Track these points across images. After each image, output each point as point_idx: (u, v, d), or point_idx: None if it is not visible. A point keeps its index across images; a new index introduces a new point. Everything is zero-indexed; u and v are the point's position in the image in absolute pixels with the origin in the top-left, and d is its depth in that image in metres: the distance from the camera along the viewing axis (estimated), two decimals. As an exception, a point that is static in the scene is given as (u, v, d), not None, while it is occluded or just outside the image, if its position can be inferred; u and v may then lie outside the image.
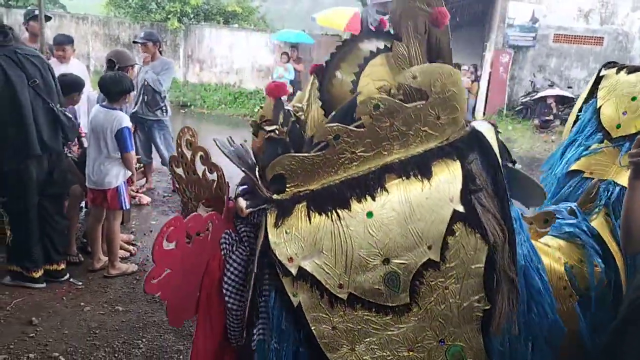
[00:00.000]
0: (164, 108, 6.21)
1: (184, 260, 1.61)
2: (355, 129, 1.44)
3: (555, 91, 14.50)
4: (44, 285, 3.92)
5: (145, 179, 6.45)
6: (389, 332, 1.46)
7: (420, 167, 1.45)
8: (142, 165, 6.10)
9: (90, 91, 5.52)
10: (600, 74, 2.50)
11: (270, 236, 1.45)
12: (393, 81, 1.50)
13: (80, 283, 4.05)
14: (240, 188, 1.69)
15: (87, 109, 4.93)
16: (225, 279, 1.61)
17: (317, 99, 1.71)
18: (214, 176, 1.86)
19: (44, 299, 3.77)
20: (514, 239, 1.47)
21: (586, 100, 2.52)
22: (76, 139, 4.58)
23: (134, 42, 6.91)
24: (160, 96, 6.15)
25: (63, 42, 5.49)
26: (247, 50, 15.34)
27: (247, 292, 1.53)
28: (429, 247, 1.43)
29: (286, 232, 1.45)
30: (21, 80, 3.56)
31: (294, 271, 1.43)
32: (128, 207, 4.24)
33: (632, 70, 2.39)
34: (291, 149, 1.54)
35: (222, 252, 1.63)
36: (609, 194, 2.15)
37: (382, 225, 1.43)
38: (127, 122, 4.02)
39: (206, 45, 15.71)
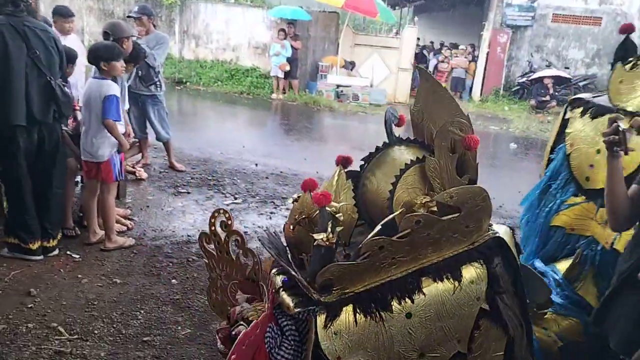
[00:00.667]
0: (158, 83, 6.17)
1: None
2: (397, 240, 1.62)
3: (552, 72, 14.47)
4: (41, 257, 3.94)
5: (141, 154, 6.44)
6: None
7: (451, 271, 1.66)
8: (137, 140, 6.08)
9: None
10: (566, 117, 2.53)
11: (320, 337, 1.58)
12: (423, 189, 1.75)
13: (78, 256, 4.07)
14: (281, 279, 1.80)
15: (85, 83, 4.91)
16: None
17: (351, 198, 1.89)
18: (249, 260, 1.97)
19: (42, 271, 3.80)
20: (530, 332, 1.72)
21: (557, 141, 2.58)
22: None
23: (128, 16, 6.82)
24: (155, 71, 6.10)
25: (69, 14, 5.47)
26: (244, 26, 15.16)
27: None
28: (458, 341, 1.65)
29: (335, 333, 1.59)
30: (19, 50, 3.56)
31: None
32: (122, 177, 4.21)
33: (594, 115, 2.39)
34: (335, 254, 1.70)
35: (267, 347, 1.72)
36: (593, 255, 2.23)
37: (419, 325, 1.62)
38: (114, 91, 3.98)
39: (202, 21, 15.51)
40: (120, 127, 4.14)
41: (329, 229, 1.64)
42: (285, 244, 1.97)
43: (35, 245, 3.90)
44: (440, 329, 1.62)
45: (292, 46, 13.06)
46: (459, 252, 1.67)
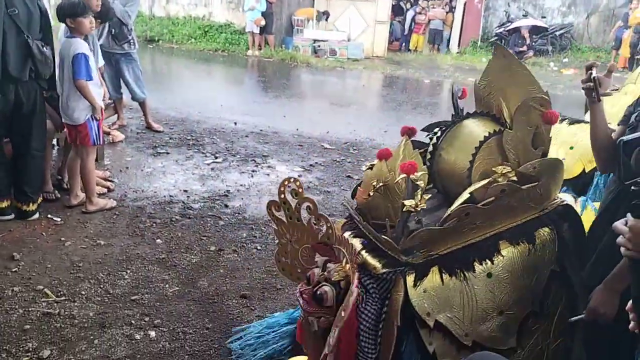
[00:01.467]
0: (132, 41, 6.01)
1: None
2: (482, 207, 1.72)
3: (529, 21, 14.43)
4: (11, 216, 3.92)
5: (116, 115, 6.31)
6: None
7: (526, 235, 1.78)
8: (112, 101, 5.95)
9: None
10: None
11: (410, 295, 1.67)
12: (499, 160, 1.85)
13: (59, 219, 4.03)
14: (360, 241, 1.88)
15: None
16: (362, 327, 1.80)
17: (423, 168, 1.97)
18: (321, 225, 2.02)
19: (24, 235, 3.76)
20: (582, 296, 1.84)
21: None
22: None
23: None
24: (128, 29, 5.93)
25: None
26: (216, -19, 14.72)
27: (379, 337, 1.78)
28: (532, 301, 1.77)
29: (424, 291, 1.68)
30: None
31: (431, 324, 1.69)
32: (100, 142, 4.13)
33: (572, 122, 2.78)
34: (422, 218, 1.80)
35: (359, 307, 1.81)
36: None
37: (499, 284, 1.73)
38: (82, 49, 3.86)
39: (172, -24, 15.01)
40: (95, 89, 4.02)
41: (419, 196, 1.74)
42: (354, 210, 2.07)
43: (3, 204, 3.84)
44: (517, 289, 1.74)
45: (267, 0, 12.74)
46: (532, 218, 1.80)
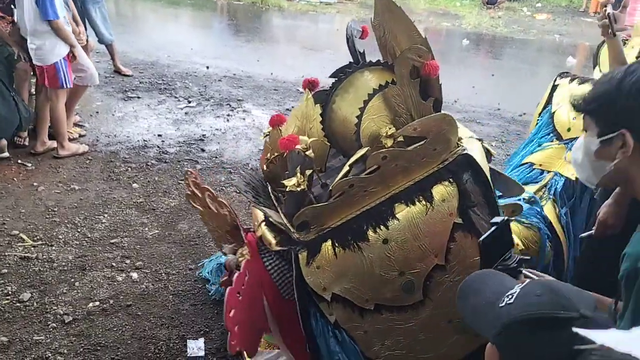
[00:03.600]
0: (97, -20, 5.69)
1: (246, 308, 1.77)
2: (366, 176, 1.63)
3: (504, -35, 14.19)
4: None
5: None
6: (410, 324, 1.78)
7: (423, 193, 1.68)
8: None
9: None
10: (555, 83, 2.85)
11: (304, 273, 1.64)
12: (390, 116, 1.73)
13: (30, 164, 3.91)
14: (262, 213, 1.79)
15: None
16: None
17: (320, 132, 1.86)
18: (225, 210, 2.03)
19: (-7, 180, 3.65)
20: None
21: (544, 107, 2.85)
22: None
23: None
24: (93, -34, 5.60)
25: None
26: None
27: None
28: (436, 255, 1.71)
29: (317, 267, 1.64)
30: None
31: (328, 297, 1.67)
32: (68, 85, 3.96)
33: (582, 81, 2.74)
34: (310, 194, 1.71)
35: (273, 276, 1.81)
36: (556, 185, 2.48)
37: (397, 248, 1.67)
38: None
39: None
40: (65, 25, 3.81)
41: (299, 173, 1.65)
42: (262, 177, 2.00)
43: None
44: (417, 248, 1.68)
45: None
46: (429, 174, 1.70)
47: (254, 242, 1.79)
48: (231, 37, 9.43)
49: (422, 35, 1.68)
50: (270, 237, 1.72)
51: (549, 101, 2.86)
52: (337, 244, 1.65)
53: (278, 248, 1.69)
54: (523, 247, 2.20)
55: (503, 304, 0.97)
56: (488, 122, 5.60)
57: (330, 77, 1.91)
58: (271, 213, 1.75)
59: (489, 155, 1.95)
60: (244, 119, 5.21)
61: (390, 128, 1.69)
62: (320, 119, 1.85)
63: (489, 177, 1.76)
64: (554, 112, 2.77)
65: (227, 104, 5.57)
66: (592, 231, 1.89)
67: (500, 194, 2.08)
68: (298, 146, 1.67)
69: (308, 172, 1.67)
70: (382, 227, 1.66)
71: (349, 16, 12.31)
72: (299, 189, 1.65)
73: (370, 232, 1.65)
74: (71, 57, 3.88)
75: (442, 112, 1.70)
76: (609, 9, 1.93)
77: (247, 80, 6.47)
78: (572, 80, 2.81)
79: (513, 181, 2.06)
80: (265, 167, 1.97)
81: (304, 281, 1.66)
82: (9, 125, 3.83)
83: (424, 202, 1.67)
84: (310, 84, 2.00)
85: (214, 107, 5.45)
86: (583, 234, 1.99)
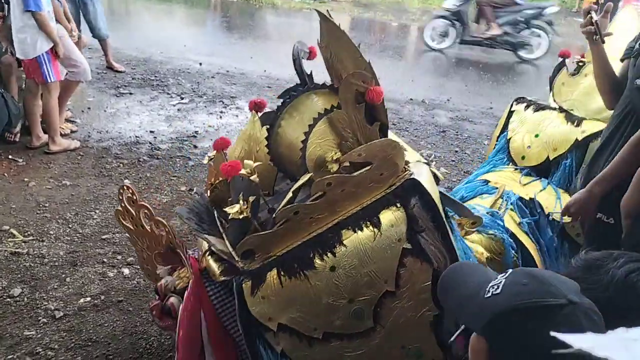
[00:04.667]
0: (93, -26, 5.67)
1: (185, 328, 1.76)
2: (311, 203, 1.58)
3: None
4: None
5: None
6: (360, 351, 1.72)
7: (370, 218, 1.64)
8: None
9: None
10: (512, 109, 2.92)
11: (249, 304, 1.60)
12: (336, 139, 1.68)
13: (21, 160, 3.88)
14: (206, 248, 1.74)
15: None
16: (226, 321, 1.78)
17: (267, 154, 1.82)
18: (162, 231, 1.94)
19: (-17, 176, 3.62)
20: (456, 258, 1.72)
21: (502, 131, 2.93)
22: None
23: None
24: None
25: None
26: None
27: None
28: (385, 281, 1.65)
29: (262, 297, 1.60)
30: None
31: (274, 328, 1.63)
32: (53, 79, 3.87)
33: (537, 108, 2.82)
34: (254, 221, 1.65)
35: (215, 306, 1.77)
36: (511, 198, 2.51)
37: (344, 275, 1.61)
38: None
39: None
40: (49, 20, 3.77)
41: (241, 201, 1.60)
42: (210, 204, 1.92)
43: None
44: (365, 275, 1.63)
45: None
46: (376, 199, 1.66)
47: (196, 266, 1.76)
48: (224, 34, 9.41)
49: (366, 60, 1.63)
50: (214, 267, 1.67)
51: (505, 126, 2.93)
52: (283, 273, 1.60)
53: (222, 278, 1.64)
54: (488, 256, 2.21)
55: (489, 294, 0.98)
56: (480, 120, 5.63)
57: (279, 97, 1.86)
58: (215, 241, 1.69)
59: (437, 178, 1.94)
60: (237, 115, 5.21)
61: (335, 153, 1.66)
62: (267, 142, 1.81)
63: (437, 202, 1.73)
64: (509, 139, 2.83)
65: (220, 100, 5.56)
66: (559, 212, 1.96)
67: (453, 213, 2.08)
68: (242, 171, 1.62)
69: (252, 198, 1.62)
70: (329, 254, 1.61)
71: (342, 14, 12.33)
72: (241, 216, 1.59)
73: (317, 260, 1.61)
74: (55, 54, 3.82)
75: (388, 137, 1.66)
76: (594, 16, 1.89)
77: (240, 77, 6.46)
78: (527, 106, 2.88)
79: (462, 205, 2.06)
80: (210, 192, 1.92)
81: (248, 311, 1.62)
82: None
83: (371, 228, 1.63)
84: (257, 106, 1.96)
85: (206, 104, 5.44)
86: (552, 213, 2.08)
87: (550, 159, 2.67)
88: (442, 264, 1.69)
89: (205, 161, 2.03)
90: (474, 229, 2.23)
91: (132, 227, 2.07)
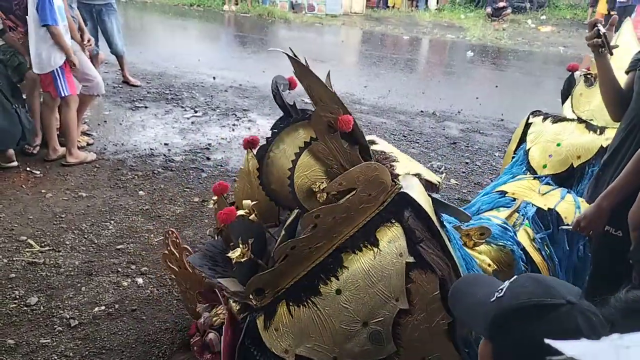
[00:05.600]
0: (111, -9, 5.81)
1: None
2: (306, 236, 1.63)
3: (508, -22, 14.29)
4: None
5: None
6: None
7: (367, 238, 1.67)
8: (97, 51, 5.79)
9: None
10: (529, 121, 2.94)
11: (264, 338, 1.65)
12: (322, 168, 1.70)
13: (39, 172, 3.97)
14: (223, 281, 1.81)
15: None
16: None
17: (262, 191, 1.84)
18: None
19: (2, 187, 3.70)
20: (455, 265, 1.76)
21: (519, 143, 2.94)
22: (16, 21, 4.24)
23: None
24: (106, -22, 5.71)
25: None
26: None
27: None
28: (397, 299, 1.66)
29: (275, 330, 1.64)
30: None
31: (292, 359, 1.65)
32: (67, 93, 3.96)
33: (556, 120, 2.85)
34: (258, 260, 1.71)
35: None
36: (527, 212, 2.49)
37: (352, 297, 1.64)
38: None
39: None
40: (64, 34, 3.87)
41: (241, 244, 1.67)
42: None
43: None
44: (373, 295, 1.64)
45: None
46: (371, 219, 1.69)
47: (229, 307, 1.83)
48: (237, 49, 9.54)
49: (332, 91, 1.66)
50: (233, 306, 1.75)
51: (522, 139, 2.94)
52: (291, 303, 1.65)
53: (242, 316, 1.71)
54: (496, 268, 2.21)
55: (494, 298, 1.01)
56: (491, 132, 5.64)
57: (272, 129, 1.87)
58: (228, 283, 1.75)
59: (432, 187, 1.98)
60: (249, 128, 5.27)
61: (322, 183, 1.68)
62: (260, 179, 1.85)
63: (429, 211, 1.75)
64: (528, 150, 2.84)
65: (233, 113, 5.64)
66: (570, 226, 1.96)
67: (454, 223, 2.09)
68: (241, 212, 1.68)
69: (251, 240, 1.68)
70: (332, 278, 1.64)
71: (353, 28, 12.44)
72: (243, 259, 1.66)
73: (321, 286, 1.64)
74: (70, 66, 3.92)
75: (369, 161, 1.70)
76: (602, 29, 1.91)
77: (252, 90, 6.55)
78: (544, 119, 2.90)
79: (460, 210, 2.06)
80: (217, 237, 2.00)
81: (263, 345, 1.65)
82: (11, 137, 3.88)
83: (370, 247, 1.66)
84: (250, 144, 2.01)
85: (219, 117, 5.52)
86: (562, 226, 2.09)
87: (575, 166, 2.67)
88: (446, 272, 1.71)
89: (210, 205, 2.09)
90: (483, 240, 2.24)
91: (177, 269, 2.20)
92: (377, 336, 1.67)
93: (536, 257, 2.38)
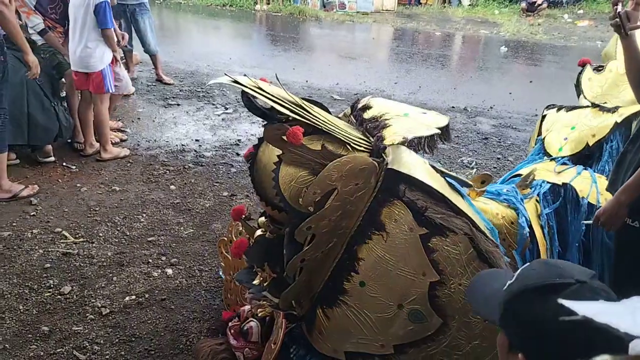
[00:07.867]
0: (144, -9, 5.95)
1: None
2: (309, 247, 1.64)
3: (544, -29, 13.97)
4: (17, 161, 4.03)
5: (127, 68, 6.29)
6: (443, 347, 1.68)
7: (373, 225, 1.65)
8: (131, 49, 5.97)
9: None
10: (544, 114, 2.96)
11: (312, 343, 1.73)
12: (304, 172, 1.69)
13: (74, 167, 4.09)
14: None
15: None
16: None
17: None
18: None
19: (40, 181, 3.82)
20: (474, 220, 1.69)
21: (538, 135, 2.93)
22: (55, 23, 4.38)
23: None
24: (140, -22, 5.85)
25: None
26: None
27: None
28: (424, 274, 1.61)
29: (319, 334, 1.71)
30: None
31: (343, 358, 1.70)
32: (113, 90, 4.17)
33: (569, 109, 2.85)
34: (282, 276, 1.74)
35: None
36: (540, 187, 2.42)
37: (376, 285, 1.64)
38: None
39: None
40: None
41: (259, 271, 1.76)
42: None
43: None
44: (396, 277, 1.61)
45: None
46: (369, 205, 1.66)
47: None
48: (268, 47, 9.60)
49: (275, 107, 1.66)
50: (283, 322, 1.84)
51: (539, 133, 2.92)
52: (325, 307, 1.70)
53: (290, 326, 1.81)
54: (502, 220, 2.13)
55: (506, 286, 1.00)
56: (525, 128, 5.52)
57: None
58: (273, 297, 1.81)
59: (433, 141, 1.91)
60: (278, 124, 5.30)
61: (305, 194, 1.67)
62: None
63: (423, 176, 1.68)
64: (543, 139, 2.82)
65: (263, 110, 5.68)
66: (591, 221, 1.96)
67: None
68: (258, 232, 1.77)
69: (266, 263, 1.77)
70: (352, 273, 1.66)
71: (385, 25, 12.37)
72: (265, 284, 1.76)
73: (345, 283, 1.67)
74: (115, 62, 4.13)
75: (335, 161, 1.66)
76: (619, 8, 1.86)
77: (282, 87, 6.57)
78: (559, 110, 2.90)
79: (459, 177, 1.98)
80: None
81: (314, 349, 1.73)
82: (48, 134, 4.00)
83: (377, 233, 1.64)
84: (236, 214, 2.08)
85: (249, 114, 5.52)
86: (584, 221, 2.08)
87: (590, 144, 2.61)
88: (467, 228, 1.63)
89: (233, 232, 2.24)
90: (484, 188, 2.17)
91: (229, 258, 2.25)
92: (417, 314, 1.64)
93: (539, 233, 2.30)
